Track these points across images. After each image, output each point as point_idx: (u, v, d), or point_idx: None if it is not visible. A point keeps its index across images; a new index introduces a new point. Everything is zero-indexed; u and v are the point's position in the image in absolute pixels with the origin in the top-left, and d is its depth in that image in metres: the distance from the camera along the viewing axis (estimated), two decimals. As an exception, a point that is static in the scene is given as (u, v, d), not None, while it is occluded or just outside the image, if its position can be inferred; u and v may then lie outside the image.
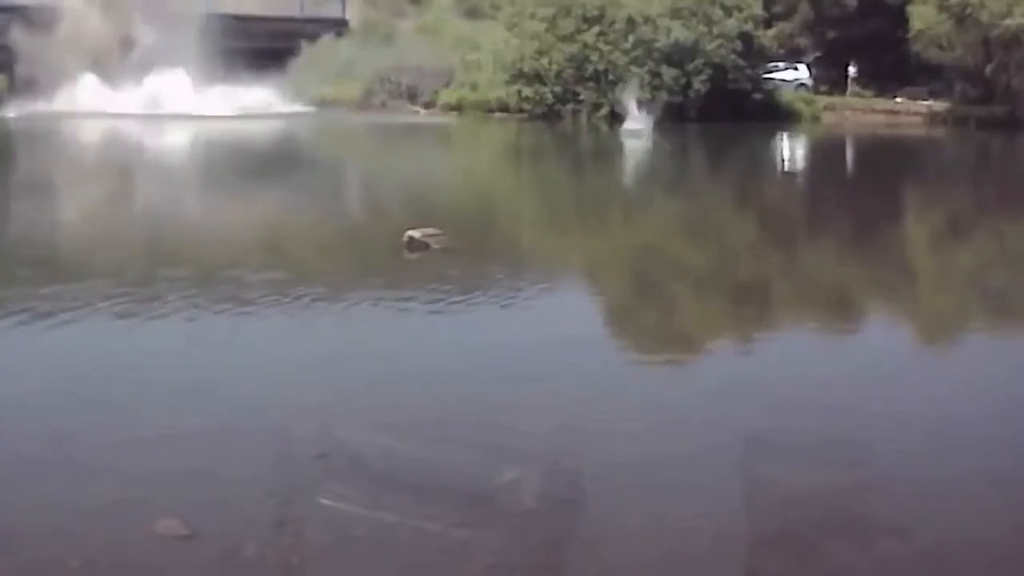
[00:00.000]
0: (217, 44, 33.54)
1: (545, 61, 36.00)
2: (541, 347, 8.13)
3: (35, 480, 5.37)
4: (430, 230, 11.90)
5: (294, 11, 45.20)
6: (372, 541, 4.74)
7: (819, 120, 38.28)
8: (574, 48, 35.92)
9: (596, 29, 35.98)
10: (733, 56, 35.80)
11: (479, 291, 10.14)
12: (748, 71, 36.63)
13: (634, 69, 35.36)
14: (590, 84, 35.92)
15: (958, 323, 10.14)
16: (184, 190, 18.78)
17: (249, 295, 9.52)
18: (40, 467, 5.52)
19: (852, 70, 40.94)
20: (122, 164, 23.54)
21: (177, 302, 9.13)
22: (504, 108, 37.24)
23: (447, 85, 39.55)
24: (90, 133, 29.94)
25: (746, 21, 36.47)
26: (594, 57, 35.70)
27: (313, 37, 43.03)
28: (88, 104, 33.34)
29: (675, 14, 35.78)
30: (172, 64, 34.32)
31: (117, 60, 35.59)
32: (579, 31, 36.11)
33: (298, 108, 36.03)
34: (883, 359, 8.35)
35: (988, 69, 36.43)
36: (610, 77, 35.65)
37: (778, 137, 33.18)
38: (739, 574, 4.75)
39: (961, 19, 36.04)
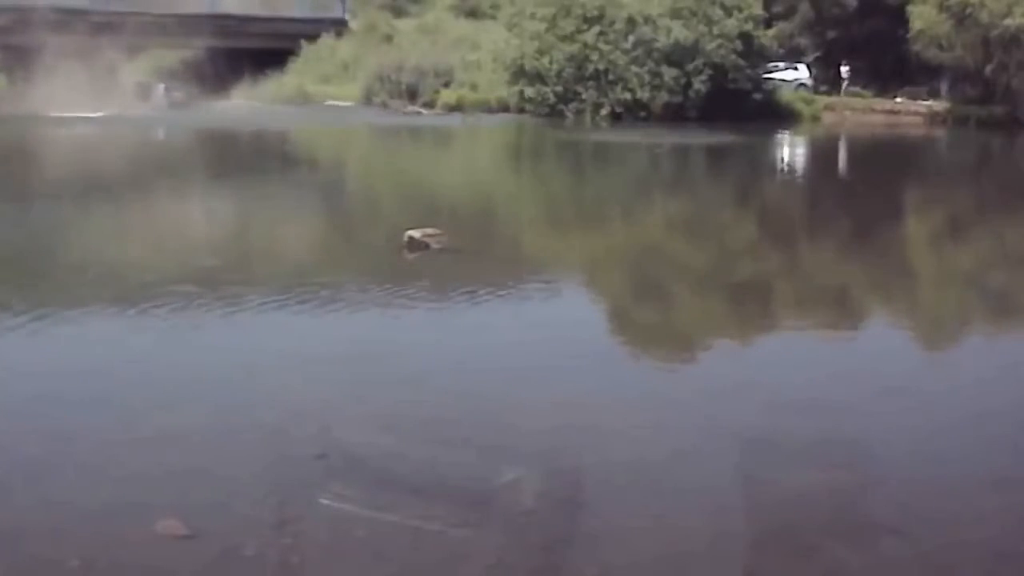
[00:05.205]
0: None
1: (545, 61, 36.00)
2: (541, 347, 8.13)
3: (35, 480, 5.37)
4: (430, 230, 11.88)
5: (294, 11, 45.20)
6: (372, 541, 4.74)
7: (819, 120, 38.28)
8: (574, 48, 35.92)
9: (596, 29, 35.98)
10: (733, 56, 35.82)
11: (479, 291, 10.14)
12: (748, 71, 36.64)
13: (634, 69, 35.39)
14: (590, 84, 35.93)
15: (957, 323, 10.14)
16: (174, 188, 18.77)
17: (248, 294, 9.51)
18: (40, 467, 5.52)
19: (844, 70, 40.88)
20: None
21: (176, 301, 9.12)
22: (505, 108, 37.24)
23: (447, 85, 39.56)
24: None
25: (746, 21, 36.49)
26: (594, 57, 35.70)
27: (313, 37, 43.07)
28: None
29: (675, 14, 35.80)
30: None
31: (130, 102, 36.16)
32: (579, 31, 36.11)
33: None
34: (883, 359, 8.34)
35: (988, 69, 36.43)
36: (610, 77, 35.67)
37: (777, 137, 33.15)
38: (739, 574, 4.75)
39: (961, 19, 36.05)
